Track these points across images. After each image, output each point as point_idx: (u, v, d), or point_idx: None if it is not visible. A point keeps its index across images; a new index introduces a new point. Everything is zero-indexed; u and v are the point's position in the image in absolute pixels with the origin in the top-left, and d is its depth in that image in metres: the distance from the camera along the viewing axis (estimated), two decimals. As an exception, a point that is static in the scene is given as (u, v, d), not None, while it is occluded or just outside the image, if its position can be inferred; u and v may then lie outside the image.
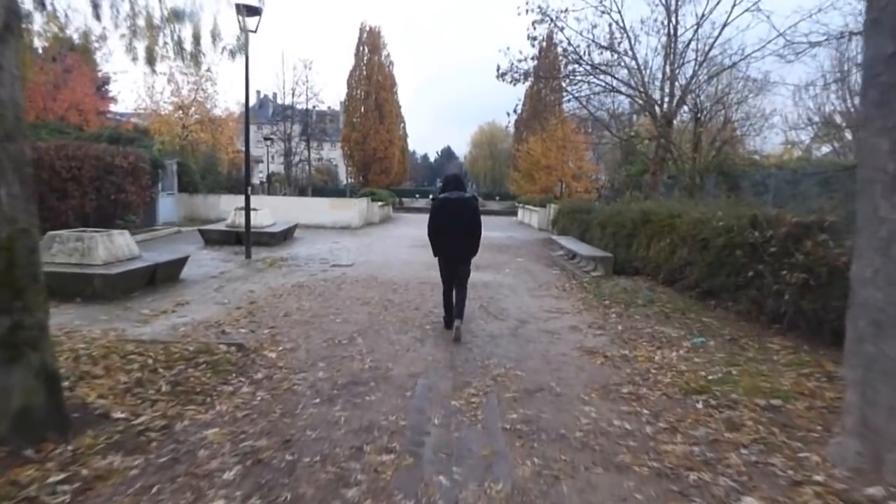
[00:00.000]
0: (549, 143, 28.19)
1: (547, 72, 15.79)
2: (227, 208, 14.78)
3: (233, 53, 5.21)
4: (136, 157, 13.67)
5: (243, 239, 10.86)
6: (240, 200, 14.35)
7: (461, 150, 77.40)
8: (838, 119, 21.78)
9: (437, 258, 5.66)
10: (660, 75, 13.23)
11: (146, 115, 28.42)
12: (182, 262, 8.21)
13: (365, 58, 41.02)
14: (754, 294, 5.86)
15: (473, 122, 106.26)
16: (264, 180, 37.96)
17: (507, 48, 13.85)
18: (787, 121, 20.16)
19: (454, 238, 5.42)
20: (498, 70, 14.07)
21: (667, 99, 12.86)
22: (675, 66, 12.51)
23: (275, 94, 37.39)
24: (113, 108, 31.86)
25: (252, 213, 13.13)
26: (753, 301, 5.87)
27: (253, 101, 51.91)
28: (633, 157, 22.10)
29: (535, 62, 14.54)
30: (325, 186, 44.31)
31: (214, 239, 12.59)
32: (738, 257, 6.13)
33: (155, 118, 27.64)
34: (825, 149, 23.11)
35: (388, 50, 42.18)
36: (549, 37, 13.84)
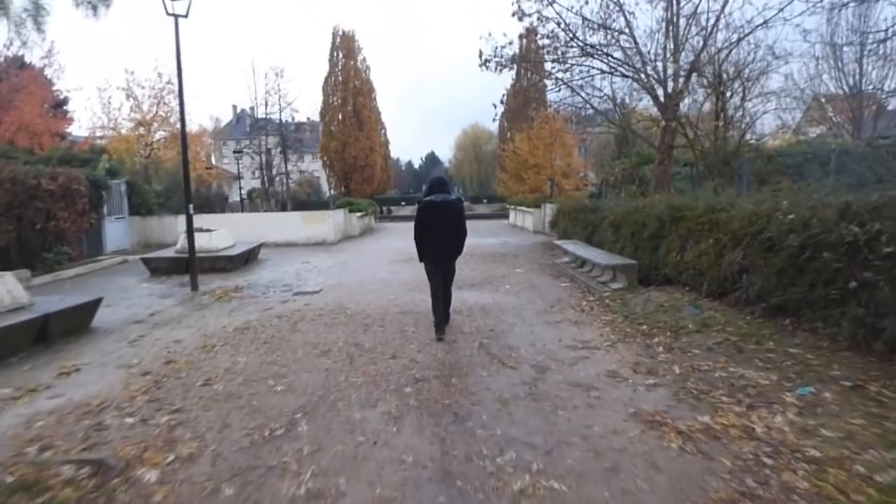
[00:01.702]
0: (535, 141, 26.66)
1: (535, 56, 14.18)
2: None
3: (94, 7, 3.48)
4: (67, 179, 11.74)
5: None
6: (203, 220, 12.49)
7: (445, 154, 76.00)
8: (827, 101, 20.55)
9: (422, 262, 5.66)
10: (662, 51, 11.64)
11: (108, 135, 26.58)
12: (92, 306, 6.36)
13: (340, 63, 39.20)
14: (860, 313, 4.20)
15: (457, 125, 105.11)
16: (245, 196, 35.96)
17: (490, 34, 12.35)
18: (781, 102, 18.97)
19: (440, 240, 5.48)
20: (480, 57, 12.50)
21: (671, 76, 11.28)
22: (681, 37, 10.94)
23: (252, 108, 35.48)
24: (71, 129, 29.81)
25: (206, 234, 11.36)
26: (860, 323, 4.21)
27: (229, 116, 49.67)
28: (627, 150, 20.56)
29: (523, 41, 12.95)
30: (307, 199, 42.37)
31: (161, 268, 10.68)
32: (827, 262, 4.48)
33: (114, 137, 25.82)
34: (817, 130, 21.90)
35: (363, 54, 40.40)
36: (536, 13, 12.18)
